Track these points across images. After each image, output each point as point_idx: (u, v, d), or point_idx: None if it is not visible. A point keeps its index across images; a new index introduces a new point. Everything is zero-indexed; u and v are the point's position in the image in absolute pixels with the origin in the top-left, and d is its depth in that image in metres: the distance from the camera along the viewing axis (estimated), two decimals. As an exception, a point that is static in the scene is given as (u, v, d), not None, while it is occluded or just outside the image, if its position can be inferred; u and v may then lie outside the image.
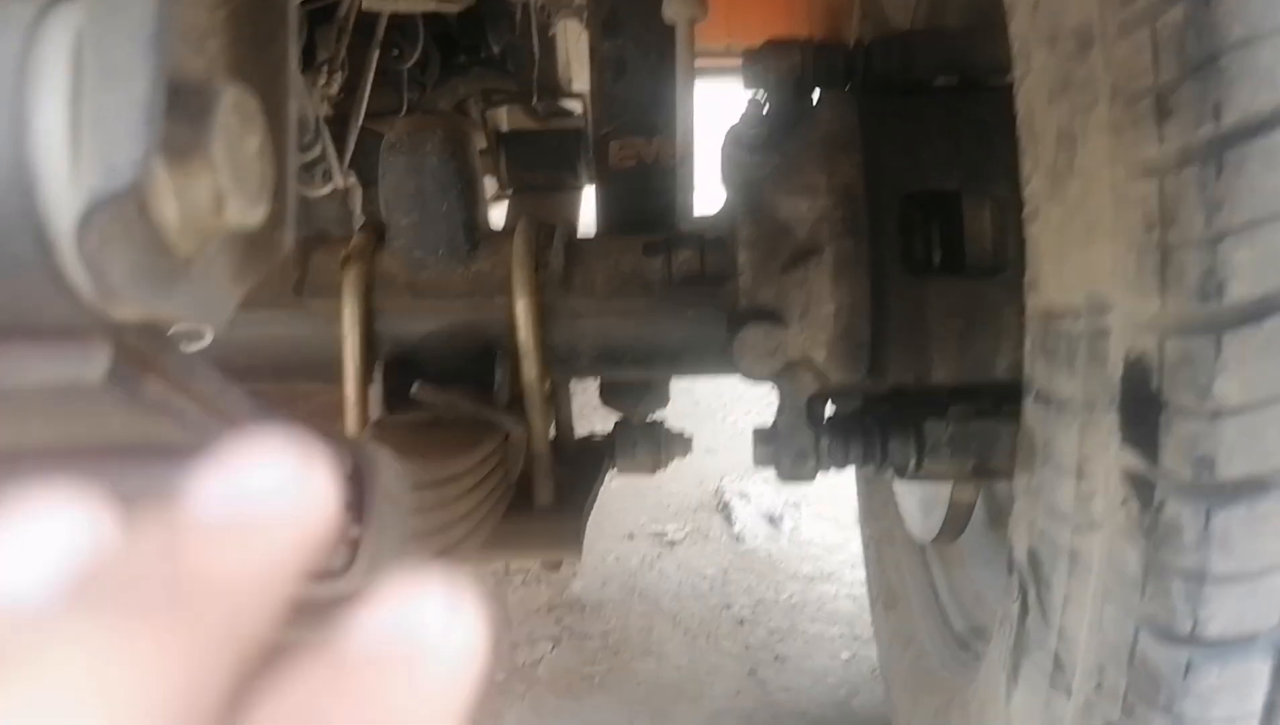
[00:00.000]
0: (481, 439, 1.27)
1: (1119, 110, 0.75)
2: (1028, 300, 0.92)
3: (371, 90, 2.23)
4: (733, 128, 1.16)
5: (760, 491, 2.82)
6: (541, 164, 2.53)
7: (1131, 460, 0.78)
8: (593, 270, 1.35)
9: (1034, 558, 0.93)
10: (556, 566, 1.48)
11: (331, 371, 1.36)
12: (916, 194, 1.14)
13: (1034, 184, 0.88)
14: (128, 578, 0.24)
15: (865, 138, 1.12)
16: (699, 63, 1.49)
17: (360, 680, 0.24)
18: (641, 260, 1.30)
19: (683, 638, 2.23)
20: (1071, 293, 0.84)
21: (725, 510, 2.77)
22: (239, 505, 0.25)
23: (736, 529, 2.68)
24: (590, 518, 1.45)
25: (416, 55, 2.32)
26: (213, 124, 0.42)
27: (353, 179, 2.27)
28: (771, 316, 1.13)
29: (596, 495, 1.49)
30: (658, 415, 1.60)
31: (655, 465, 1.57)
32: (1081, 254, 0.82)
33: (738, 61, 1.30)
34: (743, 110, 1.17)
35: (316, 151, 2.05)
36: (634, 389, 1.55)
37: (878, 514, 1.94)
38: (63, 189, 0.39)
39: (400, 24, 2.27)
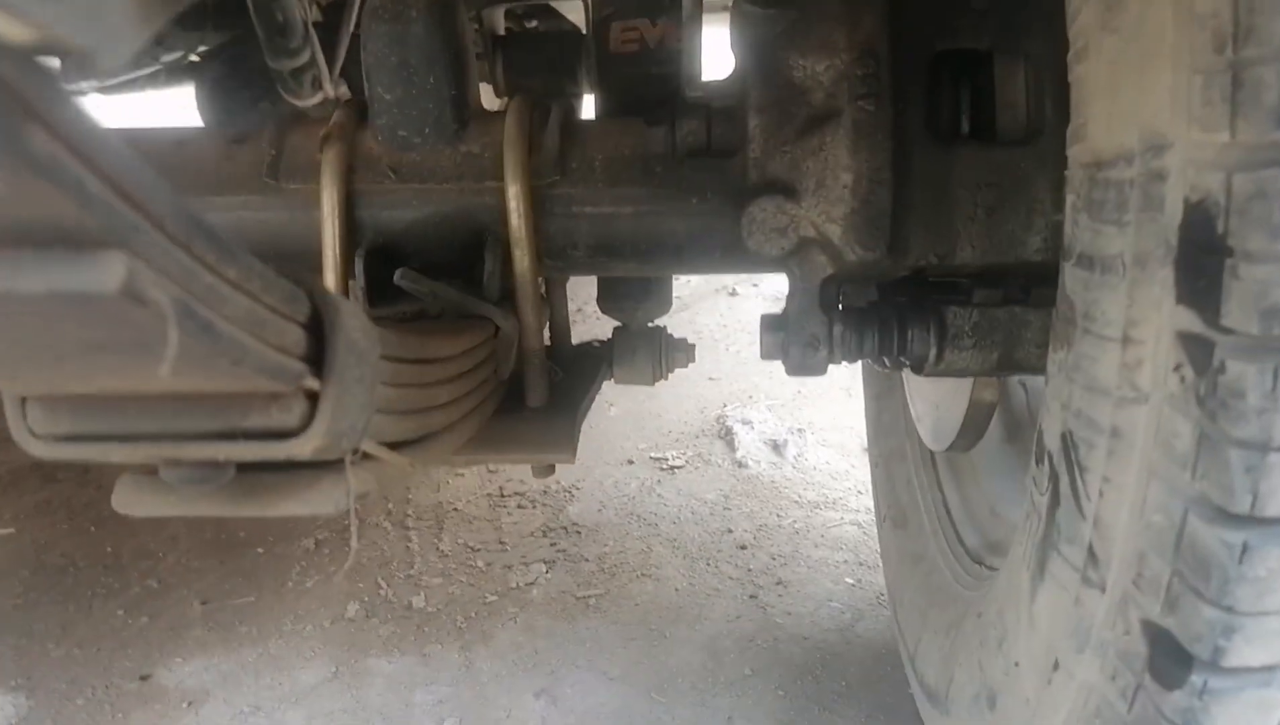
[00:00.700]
0: (468, 329, 1.19)
1: (1188, -85, 0.66)
2: (1070, 153, 0.83)
3: (364, -6, 2.12)
4: (745, -19, 1.06)
5: (764, 418, 2.75)
6: (540, 69, 2.42)
7: (1187, 320, 0.69)
8: (591, 153, 1.26)
9: (1068, 442, 0.85)
10: (549, 471, 1.40)
11: (310, 261, 1.27)
12: (945, 53, 1.04)
13: (1084, 16, 0.78)
14: None
15: None
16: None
17: None
18: (643, 141, 1.21)
19: (682, 562, 2.16)
20: (1123, 135, 0.74)
21: (728, 436, 2.69)
22: None
23: (739, 455, 2.60)
24: (586, 444, 1.36)
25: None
26: None
27: (344, 88, 2.16)
28: (784, 190, 1.04)
29: (593, 399, 1.41)
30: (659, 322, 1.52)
31: (655, 373, 1.49)
32: (1137, 88, 0.73)
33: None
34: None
35: (305, 58, 1.94)
36: (633, 291, 1.46)
37: (887, 431, 1.86)
38: None
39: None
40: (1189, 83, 0.67)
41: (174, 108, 2.43)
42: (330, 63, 2.23)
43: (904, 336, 1.09)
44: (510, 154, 1.22)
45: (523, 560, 2.19)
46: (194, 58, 2.67)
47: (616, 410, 2.88)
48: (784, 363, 1.11)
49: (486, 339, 1.23)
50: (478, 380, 1.19)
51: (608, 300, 1.47)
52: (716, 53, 1.64)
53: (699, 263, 1.26)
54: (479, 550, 2.23)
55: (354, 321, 0.70)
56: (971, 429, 1.44)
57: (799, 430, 2.68)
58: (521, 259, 1.24)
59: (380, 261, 1.26)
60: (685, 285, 3.97)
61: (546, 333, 1.50)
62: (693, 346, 1.49)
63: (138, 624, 2.01)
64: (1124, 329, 0.76)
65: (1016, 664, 0.99)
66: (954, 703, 1.21)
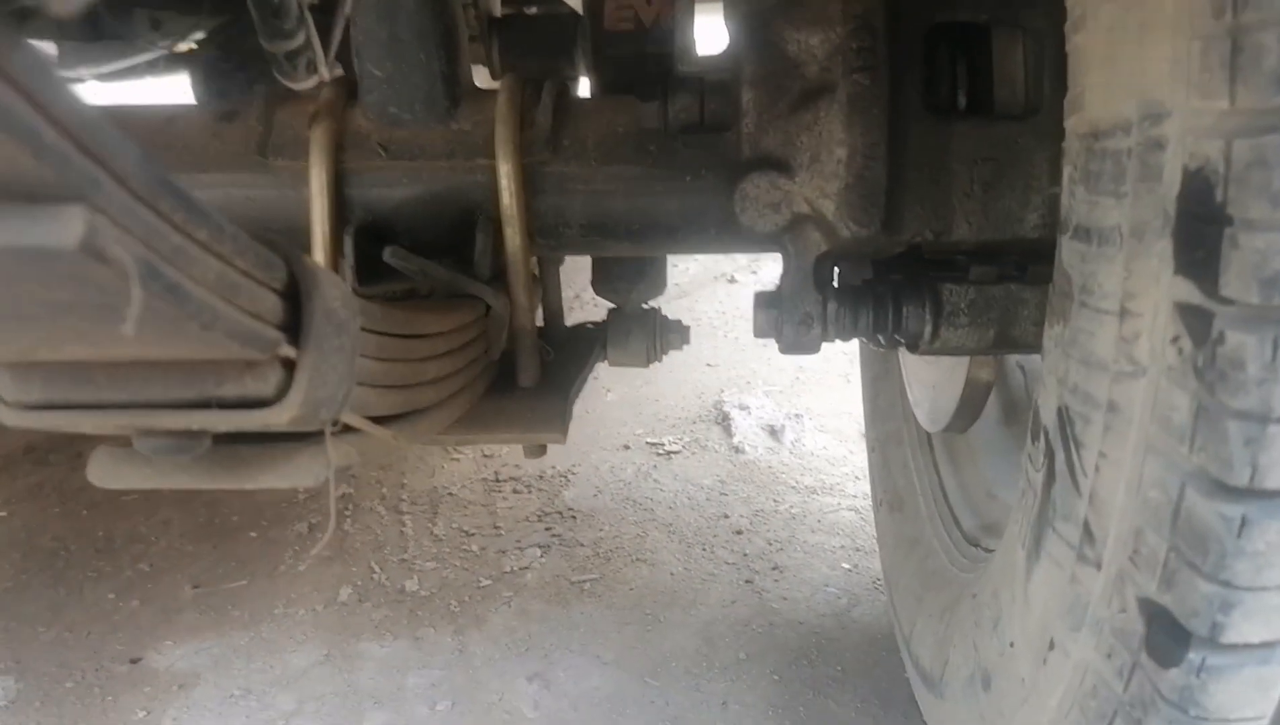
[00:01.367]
0: (458, 307, 1.17)
1: (1189, -127, 0.64)
2: (1067, 124, 0.81)
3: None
4: (738, -49, 1.04)
5: (761, 404, 2.73)
6: (536, 51, 2.40)
7: (1186, 291, 0.67)
8: (584, 131, 1.24)
9: (1064, 417, 0.83)
10: (540, 451, 1.38)
11: (299, 239, 1.25)
12: (942, 26, 1.02)
13: (1082, -18, 0.77)
14: None
15: None
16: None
17: None
18: (636, 118, 1.19)
19: (677, 547, 2.15)
20: (1121, 104, 0.73)
21: (725, 422, 2.68)
22: None
23: (736, 440, 2.59)
24: (582, 428, 1.35)
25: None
26: None
27: (339, 71, 2.14)
28: (778, 165, 1.02)
29: (585, 379, 1.39)
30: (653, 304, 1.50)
31: (649, 356, 1.47)
32: (1135, 57, 0.71)
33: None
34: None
35: (300, 40, 1.92)
36: (628, 272, 1.45)
37: (884, 414, 1.85)
38: None
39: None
40: (1188, 49, 0.65)
41: (173, 96, 2.41)
42: (325, 46, 2.22)
43: (899, 314, 1.07)
44: (502, 131, 1.20)
45: (517, 545, 2.17)
46: (191, 45, 2.66)
47: (614, 395, 2.86)
48: (777, 341, 1.09)
49: (477, 318, 1.21)
50: (467, 358, 1.18)
51: (602, 282, 1.45)
52: (712, 41, 1.63)
53: (693, 242, 1.25)
54: (473, 535, 2.21)
55: (333, 290, 0.68)
56: (968, 409, 1.43)
57: (796, 416, 2.67)
58: (513, 237, 1.22)
59: (370, 239, 1.24)
60: (684, 272, 3.96)
61: (540, 314, 1.48)
62: (687, 328, 1.48)
63: (129, 607, 2.00)
64: (1121, 301, 0.74)
65: (1012, 644, 0.97)
66: (949, 685, 1.20)
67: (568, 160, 1.23)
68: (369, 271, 1.23)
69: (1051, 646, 0.87)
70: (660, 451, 2.57)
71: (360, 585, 2.04)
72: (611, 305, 1.47)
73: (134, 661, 1.84)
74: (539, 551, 2.14)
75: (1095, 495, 0.79)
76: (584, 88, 1.95)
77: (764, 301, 1.09)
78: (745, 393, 2.82)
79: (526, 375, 1.30)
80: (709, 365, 3.08)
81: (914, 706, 1.42)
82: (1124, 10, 0.72)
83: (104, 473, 0.74)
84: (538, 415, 1.28)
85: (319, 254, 1.25)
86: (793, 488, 2.38)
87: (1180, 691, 0.73)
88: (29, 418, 0.65)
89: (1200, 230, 0.66)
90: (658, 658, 1.80)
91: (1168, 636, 0.73)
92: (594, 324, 1.51)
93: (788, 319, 1.07)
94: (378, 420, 0.88)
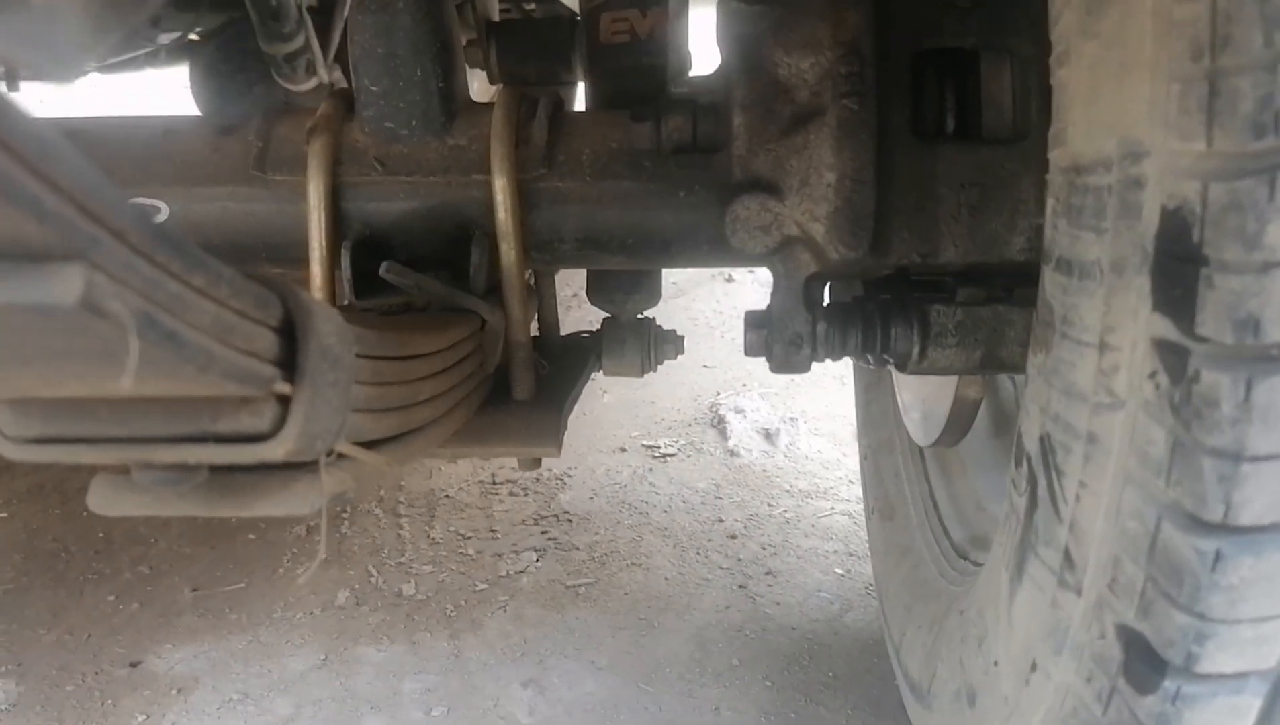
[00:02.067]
0: (452, 323, 1.18)
1: (1167, -79, 0.65)
2: (1051, 156, 0.83)
3: (359, -25, 2.10)
4: (730, -24, 1.05)
5: (756, 407, 2.74)
6: (534, 56, 2.41)
7: (1163, 327, 0.69)
8: (578, 146, 1.25)
9: (1046, 445, 0.85)
10: (535, 464, 1.40)
11: (296, 253, 1.27)
12: (930, 51, 1.03)
13: (1065, 20, 0.78)
14: None
15: None
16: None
17: None
18: (630, 134, 1.20)
19: (672, 551, 2.17)
20: (1102, 141, 0.74)
21: (720, 425, 2.69)
22: None
23: (731, 444, 2.61)
24: (578, 431, 1.37)
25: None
26: None
27: (338, 73, 2.15)
28: (768, 187, 1.03)
29: (580, 392, 1.41)
30: (648, 314, 1.51)
31: (644, 366, 1.48)
32: (1116, 95, 0.72)
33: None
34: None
35: (299, 43, 1.93)
36: (623, 283, 1.46)
37: (877, 423, 1.86)
38: None
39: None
40: (1167, 91, 0.67)
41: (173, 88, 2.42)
42: (324, 47, 2.22)
43: (887, 334, 1.08)
44: (497, 147, 1.21)
45: (513, 548, 2.19)
46: (191, 36, 2.66)
47: (610, 397, 2.88)
48: (768, 360, 1.11)
49: (472, 333, 1.22)
50: (463, 375, 1.19)
51: (597, 292, 1.47)
52: (705, 40, 1.64)
53: (686, 256, 1.26)
54: (470, 538, 2.23)
55: (327, 325, 0.69)
56: (957, 425, 1.44)
57: (791, 419, 2.68)
58: (508, 252, 1.24)
59: (367, 253, 1.26)
60: (681, 271, 3.96)
61: (535, 324, 1.49)
62: (681, 338, 1.49)
63: (128, 610, 2.02)
64: (1101, 335, 0.76)
65: (996, 663, 0.99)
66: (936, 698, 1.21)
67: (562, 176, 1.24)
68: (365, 284, 1.25)
69: (1034, 668, 0.89)
70: (656, 454, 2.59)
71: (358, 588, 2.06)
72: (606, 314, 1.49)
73: (134, 665, 1.86)
74: (535, 555, 2.16)
75: (1075, 523, 0.81)
76: (582, 90, 1.95)
77: (754, 321, 1.10)
78: (741, 395, 2.84)
79: (521, 389, 1.32)
80: (705, 366, 3.09)
81: (904, 713, 1.43)
82: (1105, 49, 0.73)
83: (104, 500, 0.75)
84: (532, 429, 1.30)
85: (316, 267, 1.26)
86: (787, 492, 2.40)
87: (1156, 718, 0.75)
88: (29, 451, 0.66)
89: (1177, 269, 0.67)
90: (652, 663, 1.82)
91: (1145, 664, 0.74)
92: (588, 334, 1.53)
93: (777, 339, 1.08)
94: (374, 443, 0.89)
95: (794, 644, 1.86)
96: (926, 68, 1.05)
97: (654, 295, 1.48)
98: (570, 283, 2.99)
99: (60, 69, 0.38)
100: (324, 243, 1.24)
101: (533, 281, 1.46)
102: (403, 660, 1.85)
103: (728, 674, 1.79)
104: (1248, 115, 0.61)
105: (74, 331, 0.49)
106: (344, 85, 2.21)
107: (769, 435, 2.63)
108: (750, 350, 1.12)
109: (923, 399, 1.53)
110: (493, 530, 2.26)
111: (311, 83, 2.13)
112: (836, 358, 1.12)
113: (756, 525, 2.26)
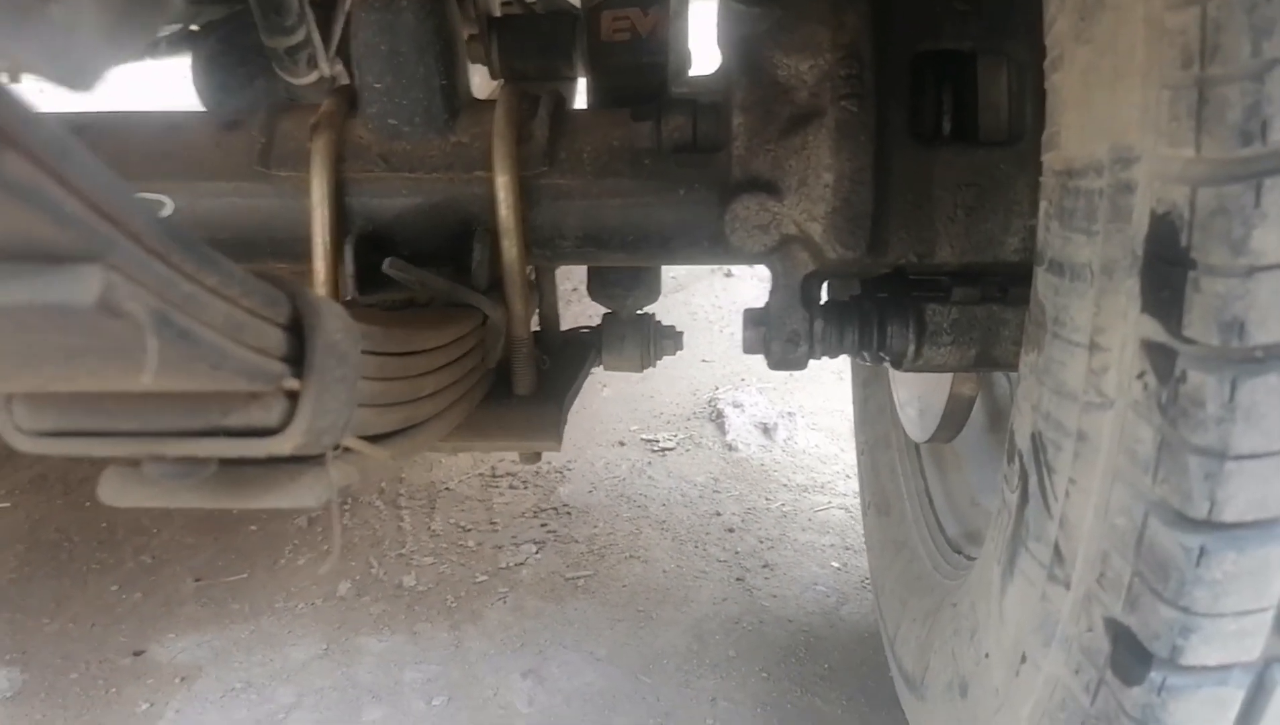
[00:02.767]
0: (456, 318, 1.20)
1: (1159, -69, 0.67)
2: (1044, 159, 0.84)
3: (361, -30, 2.11)
4: (731, -23, 1.06)
5: (754, 401, 2.76)
6: (535, 52, 2.42)
7: (1151, 329, 0.70)
8: (580, 144, 1.27)
9: (1038, 442, 0.86)
10: (535, 458, 1.41)
11: (300, 248, 1.28)
12: (927, 54, 1.05)
13: (1059, 25, 0.79)
14: None
15: None
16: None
17: None
18: (631, 132, 1.21)
19: (670, 544, 2.19)
20: (1094, 145, 0.75)
21: (718, 419, 2.71)
22: None
23: (729, 438, 2.62)
24: (579, 424, 1.38)
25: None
26: None
27: (339, 66, 2.17)
28: (767, 187, 1.05)
29: (580, 387, 1.43)
30: (648, 310, 1.53)
31: (643, 362, 1.50)
32: (1108, 100, 0.74)
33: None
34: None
35: (300, 36, 1.94)
36: (623, 279, 1.47)
37: (873, 418, 1.88)
38: None
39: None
40: (1157, 97, 0.68)
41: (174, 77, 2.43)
42: (325, 41, 2.24)
43: (883, 332, 1.10)
44: (499, 144, 1.22)
45: (513, 540, 2.21)
46: (192, 28, 2.67)
47: (609, 391, 2.89)
48: (766, 357, 1.12)
49: (474, 328, 1.24)
50: (465, 369, 1.21)
51: (597, 288, 1.48)
52: (704, 38, 1.65)
53: (686, 253, 1.28)
54: (470, 530, 2.25)
55: (334, 322, 0.71)
56: (952, 422, 1.46)
57: (789, 414, 2.70)
58: (510, 249, 1.25)
59: (370, 248, 1.27)
60: (680, 266, 3.98)
61: (535, 319, 1.51)
62: (680, 334, 1.51)
63: (131, 599, 2.04)
64: (1091, 335, 0.77)
65: (987, 655, 1.01)
66: (930, 689, 1.23)
67: (564, 173, 1.26)
68: (369, 280, 1.26)
69: (1024, 660, 0.91)
70: (655, 448, 2.60)
71: (359, 580, 2.07)
72: (606, 310, 1.50)
73: (137, 654, 1.88)
74: (534, 547, 2.18)
75: (1065, 518, 0.83)
76: (583, 86, 1.96)
77: (752, 319, 1.12)
78: (739, 389, 2.86)
79: (522, 383, 1.33)
80: (704, 361, 3.11)
81: (898, 705, 1.45)
82: (1098, 55, 0.75)
83: (114, 492, 0.77)
84: (533, 423, 1.31)
85: (319, 263, 1.28)
86: (784, 485, 2.41)
87: (1142, 709, 0.77)
88: (42, 444, 0.68)
89: (1166, 272, 0.69)
90: (650, 654, 1.84)
91: (1131, 656, 0.76)
92: (588, 329, 1.54)
93: (775, 336, 1.10)
94: (378, 437, 0.91)
95: (790, 636, 1.88)
96: (924, 70, 1.06)
97: (654, 291, 1.49)
98: (570, 277, 3.01)
99: (79, 77, 0.40)
100: (328, 238, 1.26)
101: (533, 277, 1.47)
102: (404, 650, 1.87)
103: (725, 665, 1.81)
104: (1235, 123, 0.63)
105: (91, 331, 0.50)
106: (346, 79, 2.22)
107: (767, 430, 2.65)
108: (748, 347, 1.13)
109: (918, 396, 1.55)
110: (493, 522, 2.28)
111: (313, 76, 2.15)
112: (833, 355, 1.14)
113: (754, 519, 2.28)
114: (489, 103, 1.30)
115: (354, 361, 0.74)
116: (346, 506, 2.33)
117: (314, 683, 1.79)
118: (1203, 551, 0.70)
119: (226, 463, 0.75)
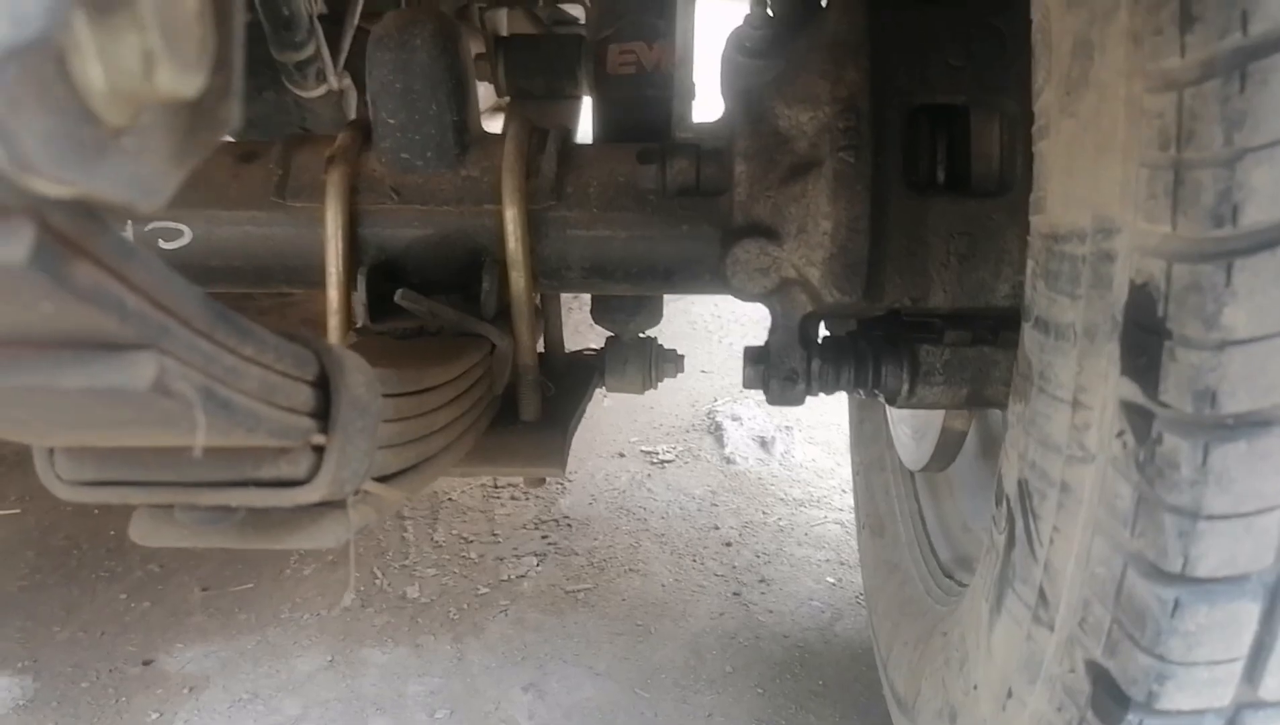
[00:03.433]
0: (465, 349, 1.24)
1: (1140, 18, 0.71)
2: (1032, 221, 0.88)
3: (368, -12, 2.15)
4: (736, 30, 1.10)
5: (753, 415, 2.80)
6: (540, 71, 2.46)
7: (1130, 391, 0.74)
8: (586, 179, 1.31)
9: (1024, 489, 0.91)
10: (540, 482, 1.46)
11: (313, 276, 1.32)
12: (923, 106, 1.09)
13: (1046, 96, 0.83)
14: None
15: (874, 45, 1.07)
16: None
17: None
18: (636, 173, 1.25)
19: (669, 557, 2.23)
20: (1078, 214, 0.80)
21: (717, 432, 2.75)
22: None
23: (727, 451, 2.67)
24: (579, 435, 1.42)
25: (415, -49, 2.24)
26: (138, -26, 0.38)
27: (347, 80, 2.20)
28: (767, 232, 1.09)
29: (583, 412, 1.47)
30: (650, 333, 1.57)
31: (645, 384, 1.54)
32: (1091, 173, 0.78)
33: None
34: (748, 11, 1.12)
35: (309, 51, 1.98)
36: (626, 305, 1.52)
37: (868, 441, 1.92)
38: (-36, 41, 0.35)
39: (398, -83, 2.18)
40: (1136, 174, 0.72)
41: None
42: (334, 56, 2.27)
43: (878, 371, 1.14)
44: (508, 179, 1.26)
45: (515, 553, 2.25)
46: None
47: (610, 402, 2.93)
48: (765, 394, 1.17)
49: (482, 358, 1.28)
50: (473, 399, 1.25)
51: (601, 312, 1.52)
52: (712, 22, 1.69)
53: (687, 285, 1.32)
54: (472, 542, 2.29)
55: (357, 377, 0.75)
56: (944, 453, 1.50)
57: (787, 427, 2.74)
58: (518, 280, 1.29)
59: (381, 278, 1.31)
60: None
61: (541, 342, 1.55)
62: (681, 357, 1.55)
63: (140, 608, 2.08)
64: (1074, 392, 0.81)
65: (975, 687, 1.05)
66: (920, 713, 1.27)
67: (570, 207, 1.30)
68: (380, 308, 1.30)
69: (1010, 695, 0.95)
70: (654, 460, 2.64)
71: (363, 591, 2.11)
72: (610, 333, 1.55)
73: (146, 663, 1.92)
74: (535, 560, 2.22)
75: (1050, 564, 0.87)
76: (587, 108, 2.00)
77: (752, 357, 1.16)
78: (738, 402, 2.90)
79: (528, 410, 1.37)
80: (703, 372, 3.15)
81: (890, 723, 1.49)
82: (1082, 128, 0.79)
83: (146, 533, 0.81)
84: (538, 449, 1.35)
85: (333, 292, 1.31)
86: (781, 500, 2.46)
87: (1120, 749, 0.81)
88: (83, 493, 0.72)
89: (1143, 339, 0.73)
90: (648, 669, 1.88)
91: (1110, 698, 0.80)
92: (592, 351, 1.58)
93: (774, 374, 1.14)
94: (393, 474, 0.95)
95: (786, 652, 1.92)
96: (920, 122, 1.10)
97: (655, 316, 1.53)
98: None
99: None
100: (341, 267, 1.30)
101: (539, 302, 1.51)
102: (407, 663, 1.91)
103: (721, 681, 1.85)
104: (1208, 205, 0.67)
105: (142, 407, 0.55)
106: (353, 90, 2.26)
107: (765, 443, 2.69)
108: (748, 383, 1.17)
109: (912, 428, 1.59)
110: (494, 534, 2.32)
111: (321, 90, 2.18)
112: (830, 392, 1.18)
113: (751, 532, 2.32)
114: (498, 137, 1.34)
115: (375, 411, 0.78)
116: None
117: (319, 695, 1.83)
118: (1177, 604, 0.74)
119: (253, 509, 0.80)
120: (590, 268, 1.32)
